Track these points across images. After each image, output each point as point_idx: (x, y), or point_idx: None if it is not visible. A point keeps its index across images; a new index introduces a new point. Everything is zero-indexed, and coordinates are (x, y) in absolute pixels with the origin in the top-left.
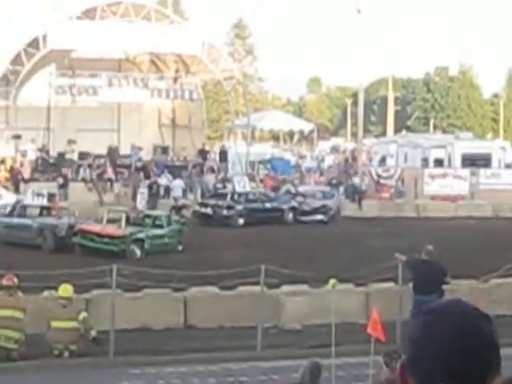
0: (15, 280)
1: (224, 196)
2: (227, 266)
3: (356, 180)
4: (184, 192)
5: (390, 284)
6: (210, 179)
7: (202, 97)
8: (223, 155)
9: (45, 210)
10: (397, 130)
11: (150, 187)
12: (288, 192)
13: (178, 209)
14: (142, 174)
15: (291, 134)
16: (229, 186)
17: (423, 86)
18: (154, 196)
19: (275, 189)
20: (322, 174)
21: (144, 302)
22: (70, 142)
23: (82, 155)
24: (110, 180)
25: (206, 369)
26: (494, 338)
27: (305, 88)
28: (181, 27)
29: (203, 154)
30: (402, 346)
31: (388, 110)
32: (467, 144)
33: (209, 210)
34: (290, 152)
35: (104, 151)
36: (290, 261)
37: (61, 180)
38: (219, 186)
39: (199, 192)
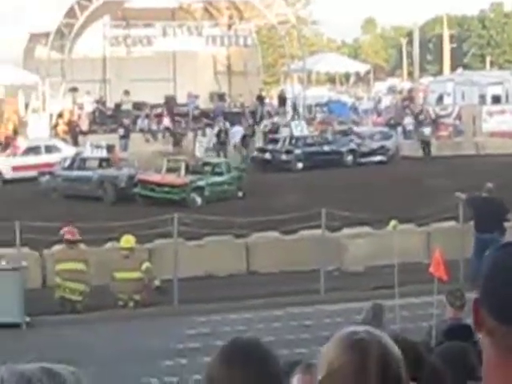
0: (76, 234)
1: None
2: (287, 211)
3: (426, 131)
4: (244, 138)
5: (452, 223)
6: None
7: (257, 42)
8: (282, 100)
9: (104, 162)
10: (453, 68)
11: (217, 135)
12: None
13: None
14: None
15: (347, 76)
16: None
17: (478, 23)
18: (222, 144)
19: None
20: (379, 114)
21: (206, 249)
22: (126, 92)
23: (138, 105)
24: (167, 129)
25: (271, 314)
26: None
27: (359, 29)
28: None
29: (261, 99)
30: (475, 283)
31: (443, 48)
32: None
33: (267, 155)
34: (347, 94)
35: (160, 101)
36: (351, 203)
37: (121, 131)
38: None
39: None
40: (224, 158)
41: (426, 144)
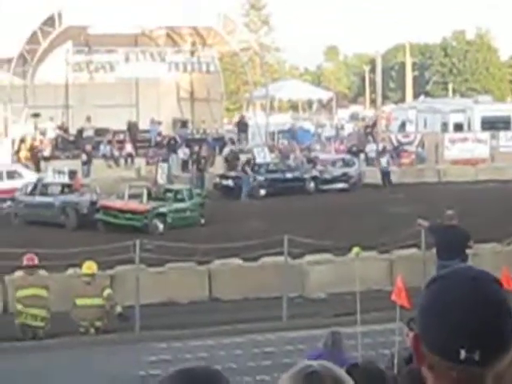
0: (35, 260)
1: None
2: (250, 238)
3: (383, 162)
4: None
5: (414, 250)
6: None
7: (220, 69)
8: (242, 126)
9: (66, 188)
10: (415, 96)
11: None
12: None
13: None
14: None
15: (310, 103)
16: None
17: (441, 51)
18: (200, 171)
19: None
20: (341, 142)
21: (168, 276)
22: (88, 118)
23: (100, 131)
24: (130, 155)
25: (233, 341)
26: (506, 304)
27: (322, 56)
28: (196, 0)
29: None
30: (415, 317)
31: (406, 76)
32: (486, 107)
33: (230, 182)
34: (310, 121)
35: (123, 127)
36: (313, 230)
37: (84, 156)
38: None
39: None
40: (186, 185)
41: (384, 174)
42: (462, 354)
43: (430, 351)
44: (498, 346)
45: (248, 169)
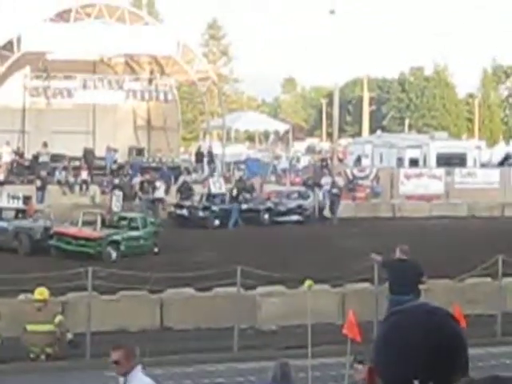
0: None
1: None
2: (203, 268)
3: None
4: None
5: (366, 284)
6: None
7: (177, 98)
8: (200, 156)
9: (20, 213)
10: (372, 130)
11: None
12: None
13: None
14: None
15: (267, 135)
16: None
17: (398, 86)
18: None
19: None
20: (297, 174)
21: (120, 304)
22: (45, 144)
23: (56, 157)
24: (85, 182)
25: (182, 371)
26: (459, 337)
27: (280, 88)
28: (155, 28)
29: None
30: (370, 350)
31: (363, 110)
32: (442, 144)
33: (184, 212)
34: (266, 152)
35: (79, 153)
36: (266, 262)
37: (38, 182)
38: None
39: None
40: (140, 213)
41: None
42: None
43: (385, 383)
44: (451, 378)
45: (241, 197)
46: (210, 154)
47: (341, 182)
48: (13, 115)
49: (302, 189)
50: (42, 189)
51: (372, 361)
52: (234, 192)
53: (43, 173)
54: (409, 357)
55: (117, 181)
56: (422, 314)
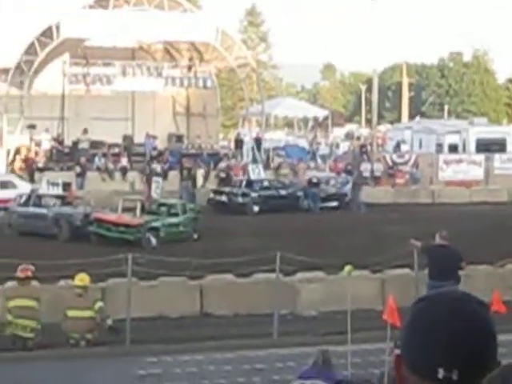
0: (28, 271)
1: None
2: (242, 254)
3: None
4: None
5: (406, 270)
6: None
7: (216, 84)
8: (239, 143)
9: (60, 200)
10: (411, 116)
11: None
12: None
13: None
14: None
15: (305, 121)
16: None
17: (437, 72)
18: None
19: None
20: (336, 160)
21: (160, 290)
22: (85, 131)
23: (95, 144)
24: (124, 169)
25: (223, 356)
26: (486, 324)
27: (319, 75)
28: (194, 15)
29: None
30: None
31: (402, 96)
32: (482, 129)
33: (224, 198)
34: (305, 139)
35: (118, 140)
36: (306, 247)
37: (78, 169)
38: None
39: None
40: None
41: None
42: (440, 373)
43: (411, 371)
44: (476, 366)
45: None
46: (258, 140)
47: (380, 168)
48: (52, 102)
49: (342, 175)
50: (81, 175)
51: (400, 348)
52: (315, 179)
53: (83, 159)
54: (432, 344)
55: (158, 167)
56: (447, 301)
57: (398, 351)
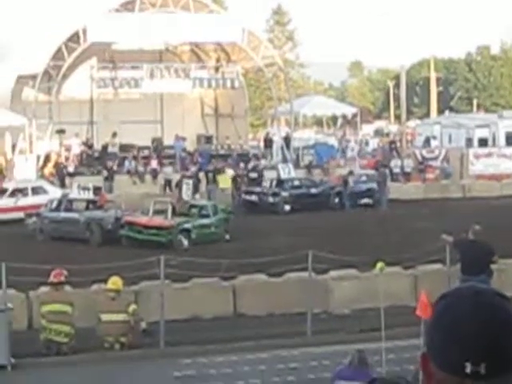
0: (61, 276)
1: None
2: (274, 253)
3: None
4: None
5: (438, 266)
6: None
7: (244, 85)
8: (268, 142)
9: (91, 204)
10: (440, 111)
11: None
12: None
13: None
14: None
15: (334, 119)
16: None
17: (465, 66)
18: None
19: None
20: (366, 157)
21: (193, 291)
22: (114, 134)
23: (125, 147)
24: (154, 171)
25: (257, 356)
26: (509, 313)
27: (346, 72)
28: (220, 16)
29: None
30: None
31: (430, 91)
32: (511, 122)
33: (254, 198)
34: (334, 137)
35: (148, 143)
36: (337, 245)
37: (105, 173)
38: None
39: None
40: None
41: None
42: (468, 367)
43: (438, 367)
44: (503, 359)
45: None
46: (288, 139)
47: (410, 163)
48: (81, 107)
49: (372, 172)
50: (108, 179)
51: (425, 346)
52: (345, 177)
53: (110, 163)
54: (458, 339)
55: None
56: (469, 295)
57: (424, 349)
